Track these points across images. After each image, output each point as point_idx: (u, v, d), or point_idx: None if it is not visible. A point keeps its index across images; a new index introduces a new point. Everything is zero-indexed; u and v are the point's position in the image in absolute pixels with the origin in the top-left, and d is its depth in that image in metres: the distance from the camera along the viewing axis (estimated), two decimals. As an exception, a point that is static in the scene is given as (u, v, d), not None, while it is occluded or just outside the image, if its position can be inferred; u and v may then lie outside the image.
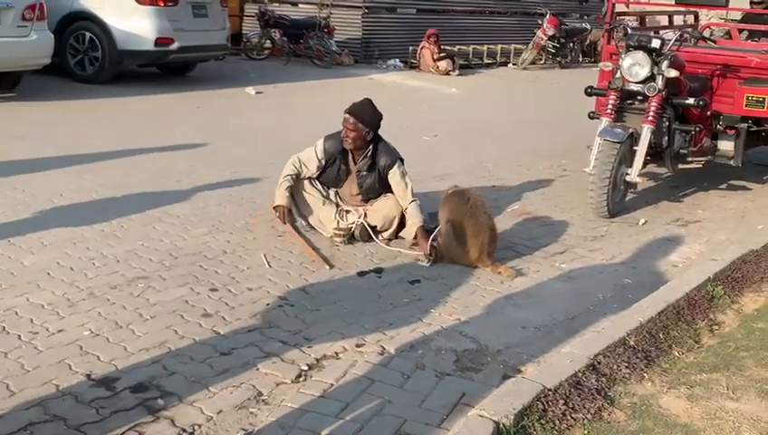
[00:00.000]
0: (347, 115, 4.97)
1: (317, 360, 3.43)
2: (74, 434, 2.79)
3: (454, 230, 4.70)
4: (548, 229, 5.55)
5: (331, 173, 5.15)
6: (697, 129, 6.33)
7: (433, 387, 3.26)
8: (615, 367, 3.41)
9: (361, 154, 5.07)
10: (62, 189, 5.63)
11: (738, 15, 10.95)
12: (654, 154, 6.25)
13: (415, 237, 4.91)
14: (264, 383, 3.20)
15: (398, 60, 15.33)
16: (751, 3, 10.74)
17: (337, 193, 5.20)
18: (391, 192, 5.11)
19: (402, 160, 5.12)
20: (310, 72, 13.59)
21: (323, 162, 5.11)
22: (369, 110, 5.02)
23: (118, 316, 3.72)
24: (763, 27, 8.92)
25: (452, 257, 4.71)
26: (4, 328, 3.53)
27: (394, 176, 5.03)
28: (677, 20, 9.21)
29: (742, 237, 5.54)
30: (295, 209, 5.19)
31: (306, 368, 3.35)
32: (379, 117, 5.05)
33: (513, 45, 17.45)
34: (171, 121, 8.62)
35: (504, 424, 2.84)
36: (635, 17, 9.69)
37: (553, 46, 17.03)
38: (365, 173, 5.08)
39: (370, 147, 5.05)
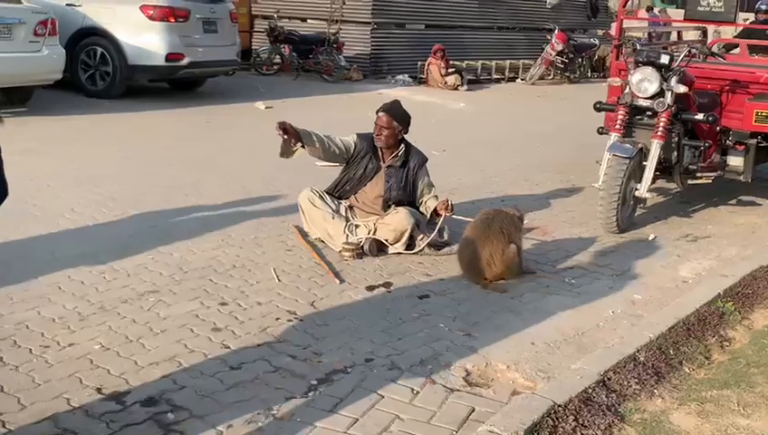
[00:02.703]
0: (381, 113, 5.18)
1: (326, 374, 3.43)
2: (85, 448, 2.80)
3: (463, 241, 4.77)
4: (557, 244, 5.55)
5: (359, 170, 5.24)
6: (707, 144, 6.33)
7: (442, 403, 3.25)
8: (625, 383, 3.40)
9: (392, 152, 5.24)
10: (72, 204, 5.66)
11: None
12: (663, 169, 6.24)
13: (436, 211, 5.15)
14: (274, 398, 3.20)
15: (406, 75, 15.39)
16: (757, 13, 10.69)
17: (348, 208, 5.23)
18: (406, 203, 5.20)
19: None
20: (319, 87, 13.65)
21: (355, 153, 5.25)
22: (400, 108, 5.27)
23: (128, 330, 3.74)
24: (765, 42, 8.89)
25: (461, 267, 4.75)
26: (15, 342, 3.55)
27: (424, 176, 5.29)
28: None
29: (752, 253, 5.52)
30: (305, 222, 5.22)
31: (315, 382, 3.35)
32: (409, 117, 5.28)
33: (522, 61, 17.50)
34: (181, 136, 8.67)
35: (513, 440, 2.84)
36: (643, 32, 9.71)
37: (562, 61, 17.06)
38: (395, 170, 5.21)
39: (402, 146, 5.26)
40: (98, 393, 3.15)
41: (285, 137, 5.06)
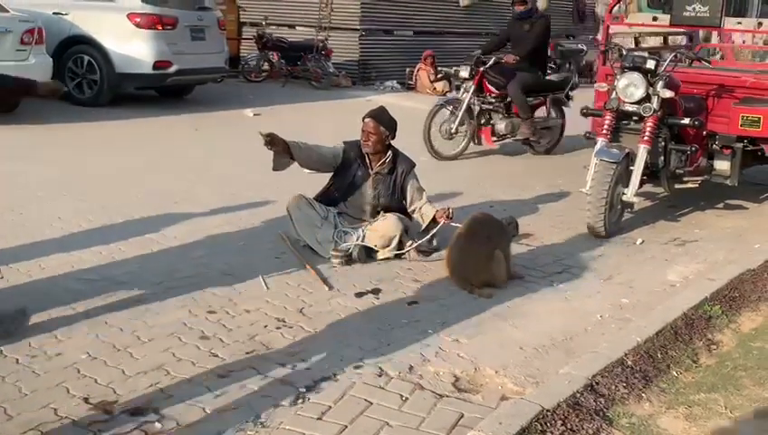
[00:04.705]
0: (367, 119, 5.20)
1: (315, 382, 3.42)
2: (71, 458, 2.79)
3: (451, 246, 4.79)
4: (545, 249, 5.56)
5: (347, 177, 5.25)
6: (693, 149, 6.36)
7: (431, 409, 3.25)
8: (613, 387, 3.41)
9: (380, 158, 5.25)
10: (60, 213, 5.64)
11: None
12: (650, 174, 6.27)
13: (433, 219, 5.15)
14: (262, 405, 3.20)
15: (395, 81, 15.42)
16: (513, 4, 9.40)
17: (337, 214, 5.23)
18: (395, 209, 5.20)
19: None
20: (307, 93, 13.66)
21: (342, 160, 5.25)
22: (387, 114, 5.29)
23: (115, 339, 3.72)
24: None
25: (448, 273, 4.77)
26: (1, 351, 3.52)
27: (413, 181, 5.29)
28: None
29: (739, 257, 5.55)
30: (293, 229, 5.21)
31: (304, 390, 3.34)
32: (396, 123, 5.30)
33: (510, 66, 17.52)
34: (169, 144, 8.65)
35: (502, 445, 2.84)
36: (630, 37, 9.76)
37: (549, 67, 17.08)
38: (382, 177, 5.22)
39: (390, 152, 5.26)
40: (85, 403, 3.14)
41: (273, 149, 5.05)
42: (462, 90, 8.68)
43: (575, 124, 8.47)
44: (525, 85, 8.59)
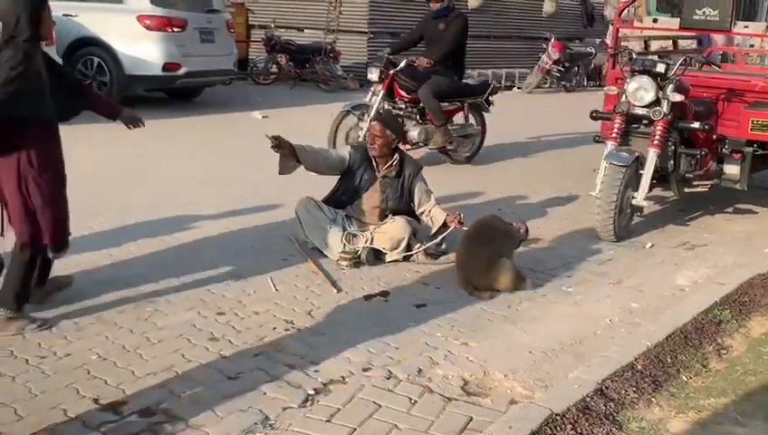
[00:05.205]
0: (374, 122, 5.24)
1: (324, 384, 3.42)
2: (81, 459, 2.80)
3: (457, 249, 4.82)
4: (554, 253, 5.55)
5: (354, 181, 5.25)
6: (703, 152, 6.34)
7: (440, 412, 3.25)
8: (623, 392, 3.40)
9: (386, 162, 5.24)
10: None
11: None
12: (660, 178, 6.25)
13: (444, 224, 5.14)
14: (271, 407, 3.20)
15: (403, 84, 15.42)
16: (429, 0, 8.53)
17: (345, 217, 5.23)
18: (403, 212, 5.21)
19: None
20: (316, 96, 13.67)
21: (349, 164, 5.25)
22: (393, 118, 5.36)
23: (125, 340, 3.73)
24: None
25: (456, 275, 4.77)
26: (12, 352, 3.54)
27: (420, 184, 5.28)
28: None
29: (749, 261, 5.53)
30: (302, 232, 5.21)
31: (313, 392, 3.34)
32: (402, 126, 5.23)
33: (518, 70, 17.53)
34: (178, 145, 8.67)
35: (511, 449, 2.83)
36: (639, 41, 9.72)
37: (558, 70, 17.10)
38: (390, 180, 5.22)
39: (396, 155, 5.27)
40: (95, 404, 3.15)
41: (280, 152, 5.05)
42: (371, 94, 7.94)
43: (584, 128, 8.45)
44: (439, 90, 7.87)
